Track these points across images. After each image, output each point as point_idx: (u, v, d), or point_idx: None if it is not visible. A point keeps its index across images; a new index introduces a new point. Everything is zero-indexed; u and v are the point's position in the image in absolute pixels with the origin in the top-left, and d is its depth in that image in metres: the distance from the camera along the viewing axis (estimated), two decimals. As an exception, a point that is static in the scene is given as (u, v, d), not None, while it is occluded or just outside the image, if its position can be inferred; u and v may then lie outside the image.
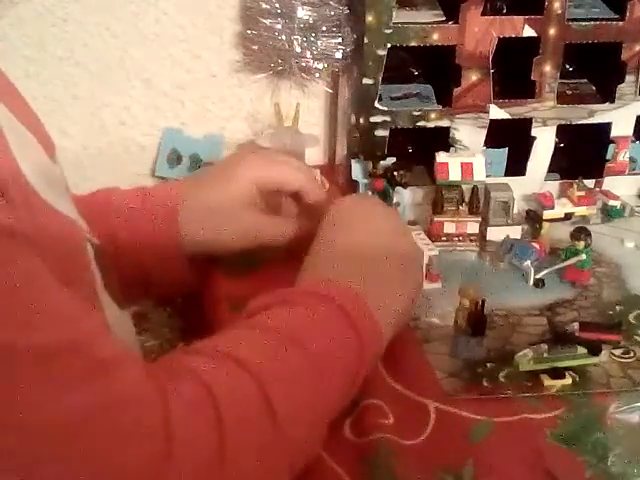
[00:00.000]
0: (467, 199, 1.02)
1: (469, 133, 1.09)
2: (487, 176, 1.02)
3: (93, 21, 1.17)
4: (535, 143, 1.11)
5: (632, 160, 1.14)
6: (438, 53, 1.07)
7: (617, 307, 0.93)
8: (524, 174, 1.11)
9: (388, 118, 1.08)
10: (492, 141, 1.10)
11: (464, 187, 1.02)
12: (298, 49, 1.12)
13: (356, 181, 1.08)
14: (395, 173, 1.05)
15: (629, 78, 1.10)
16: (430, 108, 1.10)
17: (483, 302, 0.83)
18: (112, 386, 0.56)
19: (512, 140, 1.11)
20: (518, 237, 1.03)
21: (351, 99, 1.12)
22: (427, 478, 0.71)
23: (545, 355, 0.81)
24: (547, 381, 0.81)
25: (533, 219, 1.06)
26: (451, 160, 1.01)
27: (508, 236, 1.01)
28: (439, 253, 0.97)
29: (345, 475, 0.71)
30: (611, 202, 1.10)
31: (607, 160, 1.13)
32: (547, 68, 1.08)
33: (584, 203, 1.08)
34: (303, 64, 1.13)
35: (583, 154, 1.14)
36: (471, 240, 1.03)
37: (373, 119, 1.08)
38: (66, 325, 0.56)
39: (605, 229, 1.07)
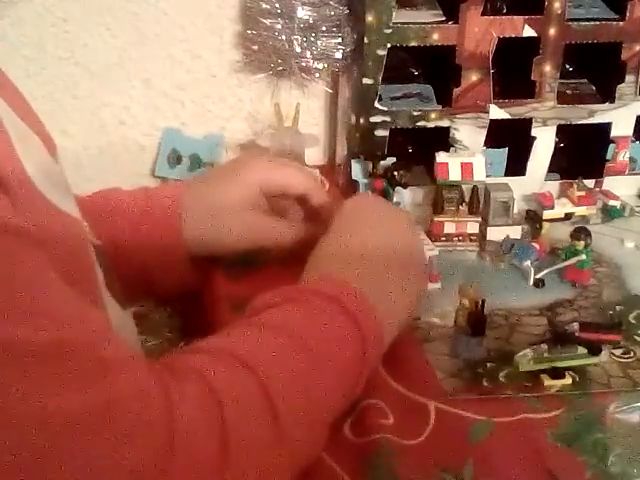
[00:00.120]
0: (467, 199, 1.02)
1: (469, 133, 1.09)
2: (487, 176, 1.02)
3: (93, 21, 1.17)
4: (535, 143, 1.11)
5: (632, 160, 1.14)
6: (438, 53, 1.07)
7: (617, 307, 0.93)
8: (524, 174, 1.11)
9: (388, 118, 1.08)
10: (492, 141, 1.10)
11: (464, 187, 1.02)
12: (298, 49, 1.12)
13: (356, 181, 1.08)
14: (395, 173, 1.05)
15: (629, 78, 1.10)
16: (430, 108, 1.10)
17: (483, 302, 0.83)
18: (115, 385, 0.56)
19: (512, 140, 1.11)
20: (518, 237, 1.02)
21: (351, 99, 1.12)
22: (427, 478, 0.71)
23: (545, 355, 0.81)
24: (547, 381, 0.81)
25: (533, 219, 1.06)
26: (451, 160, 1.01)
27: (508, 236, 1.01)
28: (439, 253, 0.97)
29: (345, 475, 0.71)
30: (611, 202, 1.10)
31: (607, 160, 1.13)
32: (547, 68, 1.08)
33: (584, 203, 1.08)
34: (303, 64, 1.13)
35: (583, 154, 1.14)
36: (471, 240, 1.03)
37: (373, 119, 1.08)
38: (70, 324, 0.56)
39: (605, 229, 1.07)
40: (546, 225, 1.05)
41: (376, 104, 1.08)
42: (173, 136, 1.24)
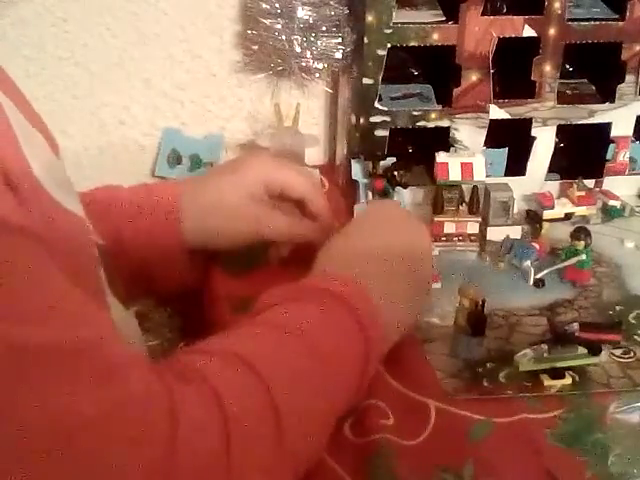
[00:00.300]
0: (467, 199, 1.02)
1: (469, 133, 1.09)
2: (487, 176, 1.02)
3: (93, 21, 1.17)
4: (535, 143, 1.11)
5: (632, 160, 1.14)
6: (438, 53, 1.07)
7: (617, 307, 0.93)
8: (524, 174, 1.11)
9: (388, 118, 1.08)
10: (492, 141, 1.10)
11: (464, 187, 1.02)
12: (298, 49, 1.12)
13: (356, 181, 1.08)
14: (395, 173, 1.05)
15: (629, 78, 1.09)
16: (430, 108, 1.10)
17: (483, 302, 0.83)
18: (121, 387, 0.56)
19: (512, 140, 1.11)
20: (518, 237, 1.02)
21: (351, 99, 1.12)
22: (427, 478, 0.71)
23: (545, 355, 0.81)
24: (547, 381, 0.81)
25: (533, 219, 1.06)
26: (451, 160, 1.01)
27: (508, 236, 1.01)
28: (439, 253, 0.97)
29: (345, 475, 0.71)
30: (611, 202, 1.10)
31: (607, 160, 1.13)
32: (547, 68, 1.08)
33: (584, 203, 1.08)
34: (303, 64, 1.13)
35: (583, 154, 1.14)
36: (471, 240, 1.03)
37: (373, 119, 1.08)
38: (76, 326, 0.56)
39: (605, 229, 1.07)
40: (546, 225, 1.05)
41: (376, 104, 1.08)
42: (173, 136, 1.24)
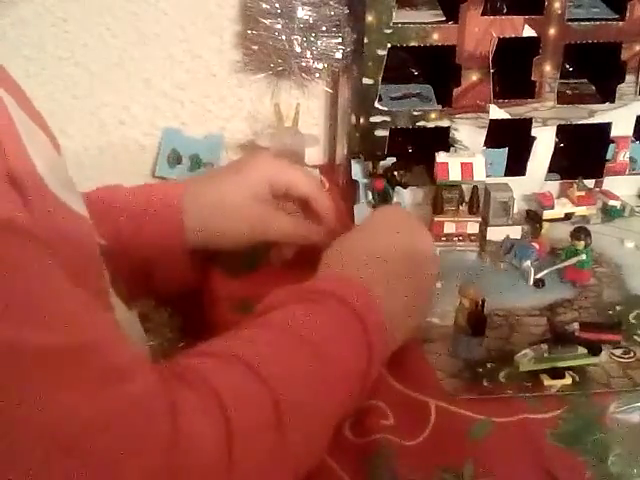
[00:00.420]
0: (467, 199, 1.02)
1: (469, 133, 1.09)
2: (487, 176, 1.02)
3: (93, 21, 1.17)
4: (535, 143, 1.11)
5: (632, 160, 1.14)
6: (438, 53, 1.07)
7: (617, 307, 0.93)
8: (524, 174, 1.11)
9: (388, 118, 1.08)
10: (492, 141, 1.10)
11: (464, 187, 1.02)
12: (298, 49, 1.12)
13: (356, 181, 1.08)
14: (395, 173, 1.05)
15: (629, 78, 1.09)
16: (430, 108, 1.10)
17: (483, 302, 0.83)
18: (122, 392, 0.55)
19: (512, 140, 1.11)
20: (518, 237, 1.02)
21: (351, 99, 1.12)
22: (427, 478, 0.71)
23: (545, 355, 0.81)
24: (547, 381, 0.81)
25: (533, 219, 1.06)
26: (451, 160, 1.01)
27: (508, 236, 1.01)
28: (439, 253, 0.97)
29: (345, 475, 0.71)
30: (611, 202, 1.10)
31: (607, 160, 1.13)
32: (547, 68, 1.08)
33: (584, 203, 1.08)
34: (303, 64, 1.13)
35: (583, 154, 1.14)
36: (471, 240, 1.03)
37: (373, 119, 1.08)
38: (81, 328, 0.56)
39: (605, 229, 1.07)
40: (546, 225, 1.05)
41: (376, 104, 1.08)
42: (173, 136, 1.24)
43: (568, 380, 0.81)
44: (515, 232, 1.03)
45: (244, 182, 0.93)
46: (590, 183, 1.12)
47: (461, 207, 1.02)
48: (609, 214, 1.10)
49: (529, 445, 0.74)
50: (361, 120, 1.09)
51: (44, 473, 0.53)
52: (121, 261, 0.84)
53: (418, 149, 1.14)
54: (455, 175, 1.01)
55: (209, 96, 1.23)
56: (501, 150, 1.11)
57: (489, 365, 0.83)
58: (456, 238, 1.02)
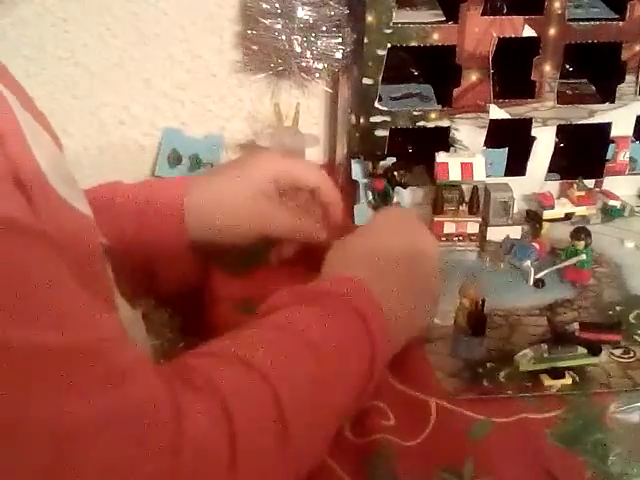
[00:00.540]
0: (467, 199, 1.02)
1: (469, 133, 1.09)
2: (487, 176, 1.02)
3: (93, 21, 1.17)
4: (535, 143, 1.11)
5: (632, 160, 1.14)
6: (438, 53, 1.07)
7: (617, 307, 0.93)
8: (524, 174, 1.11)
9: (388, 118, 1.08)
10: (492, 141, 1.10)
11: (464, 187, 1.02)
12: (298, 49, 1.12)
13: (356, 181, 1.08)
14: (395, 173, 1.05)
15: (629, 78, 1.10)
16: (430, 108, 1.10)
17: (483, 302, 0.83)
18: (126, 392, 0.55)
19: (512, 140, 1.11)
20: (518, 237, 1.03)
21: (351, 99, 1.12)
22: (427, 478, 0.71)
23: (545, 355, 0.81)
24: (547, 381, 0.81)
25: (533, 219, 1.06)
26: (451, 160, 1.01)
27: (508, 236, 1.01)
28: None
29: (345, 475, 0.71)
30: (611, 202, 1.10)
31: (607, 160, 1.13)
32: (547, 68, 1.08)
33: (584, 203, 1.08)
34: (303, 64, 1.13)
35: (583, 154, 1.14)
36: (471, 240, 1.03)
37: (373, 119, 1.08)
38: (86, 329, 0.56)
39: (605, 229, 1.07)
40: (546, 225, 1.05)
41: (376, 104, 1.08)
42: (173, 136, 1.24)
43: (568, 380, 0.81)
44: (515, 232, 1.03)
45: (246, 179, 0.93)
46: (590, 183, 1.12)
47: (461, 207, 1.02)
48: (609, 214, 1.10)
49: (529, 445, 0.74)
50: (361, 120, 1.09)
51: (48, 473, 0.52)
52: (124, 259, 0.84)
53: (418, 149, 1.14)
54: (455, 175, 1.01)
55: (209, 96, 1.23)
56: (501, 150, 1.11)
57: (489, 365, 0.83)
58: (456, 238, 1.02)
